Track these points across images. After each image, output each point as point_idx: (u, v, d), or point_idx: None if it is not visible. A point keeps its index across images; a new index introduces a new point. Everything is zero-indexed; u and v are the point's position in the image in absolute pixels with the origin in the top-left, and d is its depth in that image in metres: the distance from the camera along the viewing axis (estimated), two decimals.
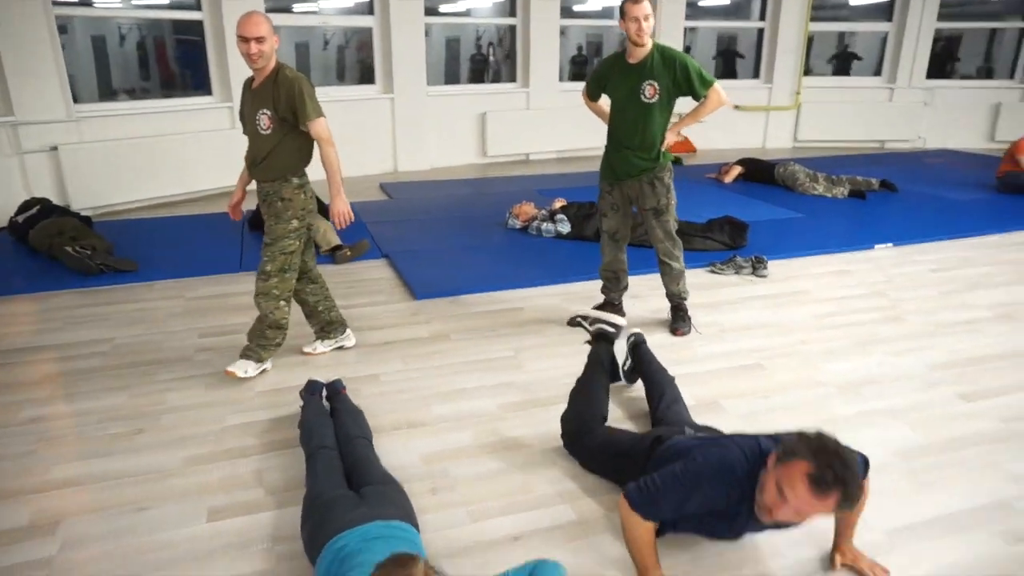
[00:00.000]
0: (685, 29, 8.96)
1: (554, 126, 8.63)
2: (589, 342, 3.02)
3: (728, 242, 4.95)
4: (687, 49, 9.38)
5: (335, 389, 2.76)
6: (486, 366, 3.27)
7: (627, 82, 3.33)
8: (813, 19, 9.11)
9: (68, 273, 4.40)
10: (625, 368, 2.94)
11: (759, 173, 7.17)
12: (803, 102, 9.39)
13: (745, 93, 9.38)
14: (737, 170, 7.26)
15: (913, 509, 2.27)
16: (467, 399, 2.96)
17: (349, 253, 4.74)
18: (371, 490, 2.07)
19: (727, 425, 2.56)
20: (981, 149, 9.36)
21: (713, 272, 4.58)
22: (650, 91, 3.29)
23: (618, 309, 3.81)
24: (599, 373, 2.74)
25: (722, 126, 9.32)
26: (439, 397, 2.98)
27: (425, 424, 2.77)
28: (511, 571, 1.68)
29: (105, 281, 4.36)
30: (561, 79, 8.72)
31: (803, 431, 1.76)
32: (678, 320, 3.68)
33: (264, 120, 2.93)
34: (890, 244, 5.15)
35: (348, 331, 3.46)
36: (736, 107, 9.35)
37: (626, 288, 3.84)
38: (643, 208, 3.50)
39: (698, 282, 4.36)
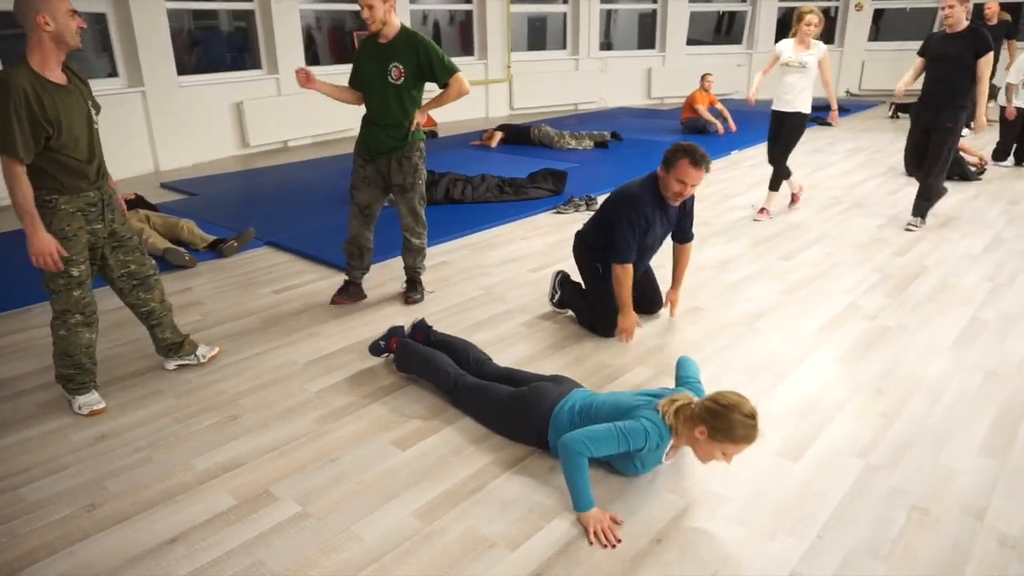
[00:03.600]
0: (411, 11, 9.71)
1: (308, 111, 8.72)
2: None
3: (553, 188, 5.99)
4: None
5: (424, 327, 3.11)
6: (480, 301, 3.84)
7: (376, 62, 3.40)
8: (513, 1, 10.58)
9: None
10: (555, 300, 3.65)
11: (518, 135, 8.35)
12: (514, 75, 10.88)
13: (465, 69, 10.51)
14: (499, 135, 8.34)
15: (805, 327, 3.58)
16: (495, 325, 3.53)
17: (236, 244, 4.66)
18: (550, 376, 2.64)
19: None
20: (644, 104, 11.93)
21: (559, 213, 5.58)
22: (396, 72, 3.38)
23: (359, 290, 3.88)
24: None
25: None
26: (475, 328, 3.49)
27: (491, 344, 3.27)
28: (690, 366, 2.53)
29: None
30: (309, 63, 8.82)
31: (673, 145, 3.08)
32: (411, 290, 3.88)
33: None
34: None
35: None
36: None
37: (368, 268, 3.89)
38: (391, 184, 3.64)
39: (551, 222, 5.35)
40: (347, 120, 9.09)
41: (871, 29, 12.45)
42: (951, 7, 4.53)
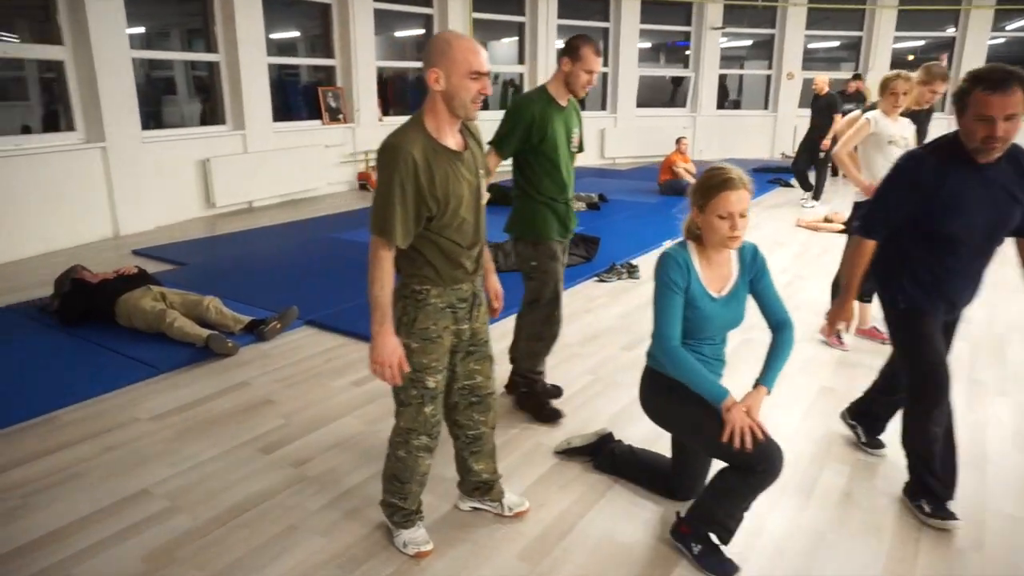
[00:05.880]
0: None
1: (274, 169, 8.15)
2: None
3: (585, 255, 5.74)
4: None
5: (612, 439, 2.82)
6: (595, 388, 3.50)
7: (562, 127, 3.01)
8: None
9: None
10: None
11: (504, 197, 8.05)
12: None
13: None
14: (487, 196, 8.02)
15: None
16: (631, 414, 3.15)
17: (279, 325, 4.06)
18: None
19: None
20: (599, 164, 12.03)
21: (602, 281, 5.32)
22: (575, 139, 3.12)
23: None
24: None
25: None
26: (614, 421, 3.10)
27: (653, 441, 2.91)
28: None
29: None
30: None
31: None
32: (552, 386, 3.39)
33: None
34: (669, 240, 6.59)
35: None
36: None
37: None
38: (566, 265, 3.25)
39: (602, 292, 5.10)
40: (311, 180, 8.58)
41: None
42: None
